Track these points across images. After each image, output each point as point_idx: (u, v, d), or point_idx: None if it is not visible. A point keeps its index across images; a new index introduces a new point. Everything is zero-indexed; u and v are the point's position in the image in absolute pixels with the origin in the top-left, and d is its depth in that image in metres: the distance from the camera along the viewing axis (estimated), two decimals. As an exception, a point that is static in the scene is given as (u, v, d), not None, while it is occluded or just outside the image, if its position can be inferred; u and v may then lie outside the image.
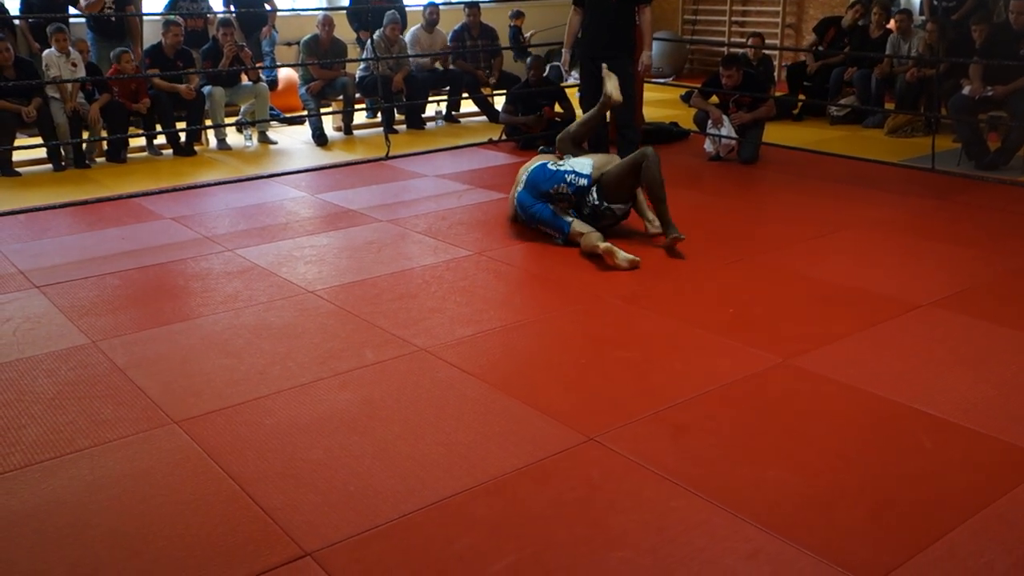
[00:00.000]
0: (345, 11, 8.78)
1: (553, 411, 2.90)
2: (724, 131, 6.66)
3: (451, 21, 8.93)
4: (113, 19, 7.78)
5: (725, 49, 9.89)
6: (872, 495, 2.42)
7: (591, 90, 5.99)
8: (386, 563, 2.19)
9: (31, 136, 6.92)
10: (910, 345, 3.40)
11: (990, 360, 3.25)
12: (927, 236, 4.77)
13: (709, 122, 6.79)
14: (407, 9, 8.79)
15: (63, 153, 6.83)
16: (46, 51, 6.87)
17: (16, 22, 7.68)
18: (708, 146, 6.82)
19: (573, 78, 10.13)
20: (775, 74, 9.46)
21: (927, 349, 3.36)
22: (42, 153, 6.88)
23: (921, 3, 9.10)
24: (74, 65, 6.81)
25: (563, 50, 6.23)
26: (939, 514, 2.34)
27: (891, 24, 8.13)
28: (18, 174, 6.64)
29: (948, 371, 3.17)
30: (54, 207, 5.68)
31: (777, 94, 8.37)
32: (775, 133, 7.35)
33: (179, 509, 2.42)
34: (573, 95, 7.59)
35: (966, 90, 6.43)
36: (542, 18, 10.66)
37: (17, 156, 6.77)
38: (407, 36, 8.42)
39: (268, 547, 2.25)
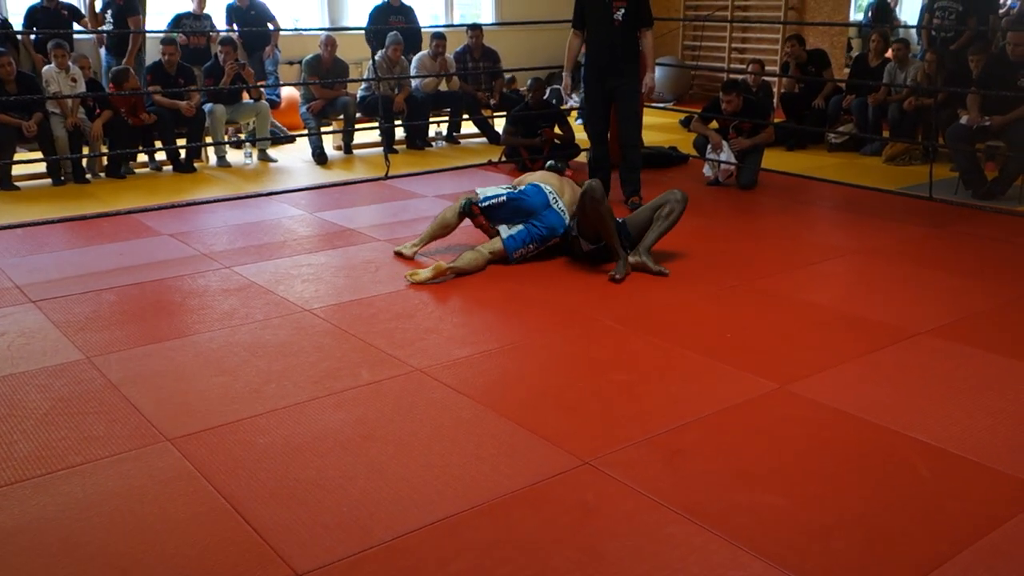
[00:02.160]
0: (363, 31, 8.78)
1: (548, 434, 2.89)
2: (723, 156, 6.69)
3: (453, 43, 8.98)
4: (107, 35, 7.82)
5: (725, 75, 9.95)
6: (868, 523, 2.41)
7: (596, 113, 5.96)
8: (378, 586, 2.17)
9: (31, 150, 6.94)
10: (907, 373, 3.39)
11: (987, 389, 3.24)
12: (924, 264, 4.78)
13: (708, 147, 6.82)
14: (423, 31, 8.82)
15: (62, 168, 6.84)
16: (46, 67, 6.91)
17: (19, 37, 7.72)
18: (707, 171, 6.84)
19: (574, 100, 10.21)
20: (774, 100, 9.51)
21: (924, 377, 3.35)
22: (42, 168, 6.89)
23: (919, 33, 9.18)
24: (74, 80, 6.84)
25: (563, 73, 6.19)
26: (935, 543, 2.32)
27: (889, 53, 8.19)
28: (17, 188, 6.64)
29: (945, 399, 3.16)
30: (52, 222, 5.68)
31: (776, 120, 8.41)
32: (774, 159, 7.38)
33: (171, 528, 2.40)
34: (573, 118, 7.64)
35: (964, 120, 6.46)
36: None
37: (17, 170, 6.78)
38: (413, 61, 8.46)
39: (260, 567, 2.23)
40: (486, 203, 4.68)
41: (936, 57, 7.52)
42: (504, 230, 4.68)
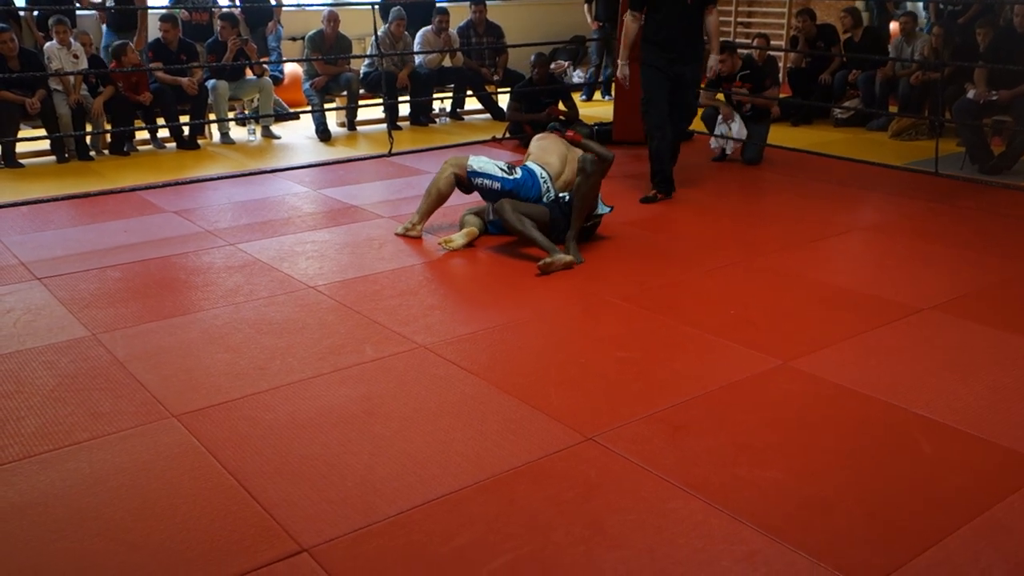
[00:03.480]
0: (371, 6, 8.69)
1: (552, 410, 2.90)
2: (735, 128, 6.64)
3: (456, 18, 8.92)
4: (113, 11, 7.78)
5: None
6: (870, 498, 2.42)
7: (661, 102, 5.40)
8: (383, 560, 2.19)
9: (35, 128, 6.93)
10: (911, 349, 3.39)
11: (991, 365, 3.24)
12: (929, 240, 4.77)
13: (719, 118, 6.77)
14: (441, 4, 8.72)
15: (66, 145, 6.84)
16: (48, 43, 6.88)
17: (22, 13, 7.69)
18: (713, 144, 6.81)
19: (578, 77, 10.15)
20: (780, 76, 9.44)
21: (928, 353, 3.35)
22: (45, 145, 6.88)
23: (927, 6, 9.09)
24: (76, 57, 6.81)
25: (619, 61, 5.59)
26: (937, 518, 2.33)
27: (893, 27, 8.12)
28: (21, 166, 6.64)
29: (948, 375, 3.16)
30: (56, 199, 5.69)
31: (782, 96, 8.36)
32: (779, 135, 7.34)
33: (177, 503, 2.42)
34: (577, 97, 7.58)
35: (971, 94, 6.42)
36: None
37: (21, 148, 6.77)
38: (417, 36, 8.41)
39: (266, 542, 2.25)
40: (478, 180, 4.61)
41: (943, 31, 7.45)
42: (490, 213, 4.68)
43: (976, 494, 2.44)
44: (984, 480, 2.52)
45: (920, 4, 9.63)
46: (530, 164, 4.75)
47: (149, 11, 8.03)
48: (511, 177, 4.61)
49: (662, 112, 5.45)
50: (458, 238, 4.56)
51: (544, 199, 4.62)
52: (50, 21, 6.89)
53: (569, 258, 4.27)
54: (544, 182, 4.66)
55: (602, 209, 4.63)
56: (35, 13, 7.66)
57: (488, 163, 4.68)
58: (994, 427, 2.79)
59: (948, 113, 6.89)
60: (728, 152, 6.72)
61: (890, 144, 7.39)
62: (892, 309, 3.76)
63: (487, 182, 4.59)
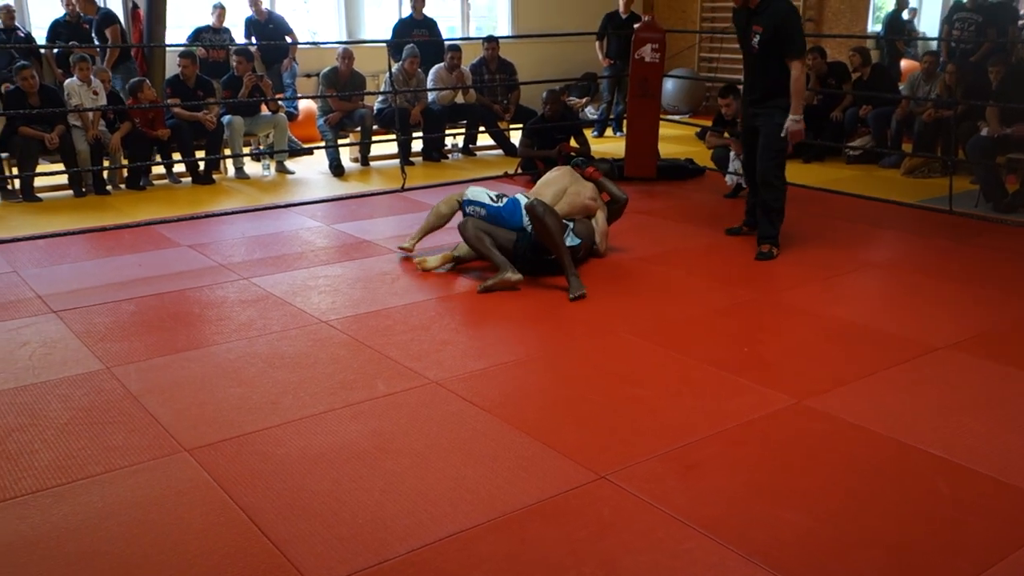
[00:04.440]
0: (387, 44, 8.79)
1: (564, 448, 2.88)
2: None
3: (469, 55, 9.01)
4: (98, 50, 7.95)
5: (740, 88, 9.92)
6: (887, 540, 2.39)
7: (746, 142, 5.51)
8: (394, 599, 2.17)
9: (53, 162, 7.01)
10: (927, 388, 3.36)
11: (1008, 404, 3.21)
12: (944, 278, 4.74)
13: (731, 155, 6.79)
14: (453, 42, 8.83)
15: (84, 179, 6.92)
16: (68, 80, 6.99)
17: (42, 51, 7.82)
18: (730, 180, 6.82)
19: (589, 113, 10.22)
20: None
21: (944, 392, 3.32)
22: (63, 179, 6.96)
23: (939, 45, 9.14)
24: (95, 94, 6.92)
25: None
26: (956, 562, 2.30)
27: (903, 64, 8.14)
28: (40, 199, 6.71)
29: (965, 415, 3.13)
30: (73, 233, 5.74)
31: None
32: (791, 172, 7.30)
33: (188, 538, 2.41)
34: (589, 133, 7.59)
35: (984, 131, 6.42)
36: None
37: (39, 182, 6.86)
38: (430, 73, 8.50)
39: (275, 580, 2.24)
40: (469, 208, 4.85)
41: (956, 69, 7.48)
42: None
43: (996, 537, 2.41)
44: (1004, 523, 2.48)
45: (933, 43, 9.68)
46: (518, 195, 4.88)
47: (169, 49, 8.17)
48: (495, 205, 4.82)
49: (749, 155, 5.45)
50: (432, 260, 4.83)
51: (528, 228, 4.68)
52: (72, 58, 7.00)
53: (518, 277, 4.49)
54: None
55: (572, 241, 4.74)
56: (55, 51, 7.80)
57: (481, 192, 4.92)
58: (1014, 468, 2.76)
59: (961, 151, 6.89)
60: (744, 185, 6.72)
61: (903, 181, 7.39)
62: (908, 347, 3.74)
63: (477, 208, 4.83)
